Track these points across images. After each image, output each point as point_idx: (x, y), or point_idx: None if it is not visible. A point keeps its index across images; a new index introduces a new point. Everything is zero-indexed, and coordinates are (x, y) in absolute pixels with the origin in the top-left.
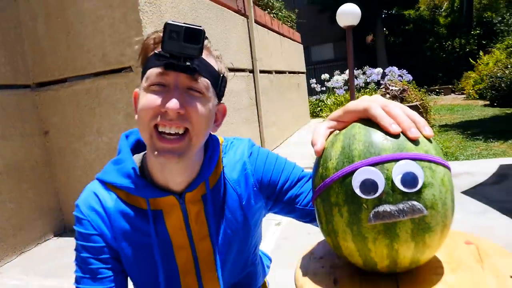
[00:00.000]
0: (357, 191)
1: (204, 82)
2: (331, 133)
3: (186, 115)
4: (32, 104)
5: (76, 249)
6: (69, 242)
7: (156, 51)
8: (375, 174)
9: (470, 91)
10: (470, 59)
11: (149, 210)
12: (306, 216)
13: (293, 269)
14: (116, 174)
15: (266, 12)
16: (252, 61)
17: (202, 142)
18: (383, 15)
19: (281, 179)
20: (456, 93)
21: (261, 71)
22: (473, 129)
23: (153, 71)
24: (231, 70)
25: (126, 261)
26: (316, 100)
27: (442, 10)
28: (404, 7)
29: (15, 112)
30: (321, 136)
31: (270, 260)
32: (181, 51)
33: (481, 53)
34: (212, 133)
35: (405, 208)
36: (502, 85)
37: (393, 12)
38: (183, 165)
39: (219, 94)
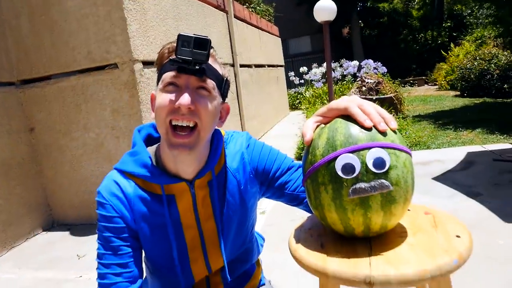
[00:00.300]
0: (339, 173)
1: (210, 83)
2: (317, 126)
3: (195, 111)
4: (17, 101)
5: (98, 230)
6: (58, 236)
7: (170, 58)
8: (353, 159)
9: (442, 82)
10: (441, 51)
11: (163, 194)
12: (293, 200)
13: (278, 252)
14: (134, 164)
15: (244, 6)
16: (233, 56)
17: (209, 136)
18: (358, 8)
19: (273, 168)
20: (429, 84)
21: (241, 65)
22: (444, 119)
23: (168, 75)
24: None
25: (144, 240)
26: (295, 93)
27: (415, 3)
28: (378, 0)
29: (0, 110)
30: (310, 129)
31: (263, 239)
32: (191, 56)
33: (452, 45)
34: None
35: (376, 185)
36: (471, 76)
37: (368, 5)
38: (194, 156)
39: (223, 95)
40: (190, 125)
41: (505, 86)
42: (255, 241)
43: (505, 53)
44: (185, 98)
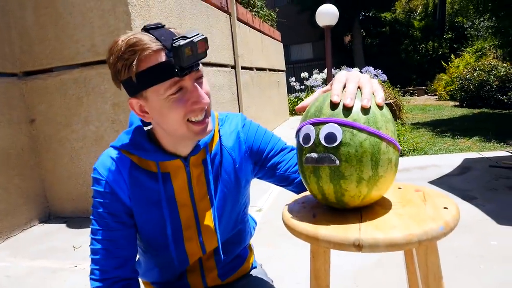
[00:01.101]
0: (300, 141)
1: (201, 68)
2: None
3: None
4: (19, 92)
5: (93, 206)
6: (55, 228)
7: (162, 64)
8: (311, 131)
9: (442, 92)
10: (442, 61)
11: (158, 172)
12: (283, 180)
13: (271, 248)
14: (130, 141)
15: (248, 10)
16: (234, 57)
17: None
18: (361, 17)
19: (267, 148)
20: (429, 94)
21: (243, 68)
22: (442, 127)
23: (169, 83)
24: (214, 65)
25: (139, 217)
26: (295, 98)
27: (417, 14)
28: (380, 9)
29: (2, 99)
30: (308, 99)
31: (256, 223)
32: (196, 60)
33: (452, 56)
34: None
35: (323, 157)
36: (471, 86)
37: (370, 14)
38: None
39: None
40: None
41: (504, 97)
42: (248, 223)
43: (505, 64)
44: (204, 98)
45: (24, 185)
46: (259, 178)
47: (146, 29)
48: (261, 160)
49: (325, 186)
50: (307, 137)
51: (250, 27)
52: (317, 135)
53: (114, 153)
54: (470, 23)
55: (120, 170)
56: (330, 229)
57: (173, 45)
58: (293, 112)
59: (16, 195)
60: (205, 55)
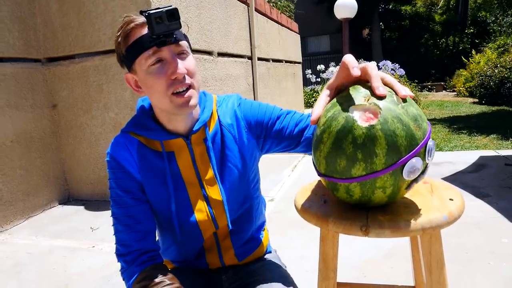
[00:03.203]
0: (406, 177)
1: (184, 44)
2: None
3: (188, 74)
4: (42, 78)
5: (110, 188)
6: (73, 210)
7: (143, 36)
8: (418, 162)
9: (461, 88)
10: (462, 57)
11: (163, 150)
12: (290, 144)
13: (284, 237)
14: (136, 124)
15: (266, 0)
16: (251, 48)
17: (199, 87)
18: (380, 9)
19: (265, 118)
20: (448, 90)
21: (259, 59)
22: (459, 124)
23: (147, 53)
24: (231, 55)
25: (149, 192)
26: (310, 90)
27: (438, 7)
28: (401, 2)
29: (26, 84)
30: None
31: (265, 203)
32: (168, 29)
33: (473, 52)
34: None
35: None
36: (491, 83)
37: (390, 7)
38: (191, 109)
39: (190, 48)
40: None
41: None
42: (259, 200)
43: None
44: (180, 68)
45: (45, 168)
46: (268, 152)
47: (141, 12)
48: (263, 132)
49: (356, 190)
50: (413, 170)
51: (268, 18)
52: (425, 166)
53: (123, 135)
54: (493, 18)
55: (129, 149)
56: (339, 215)
57: (144, 15)
58: (307, 105)
59: (37, 176)
60: (177, 26)
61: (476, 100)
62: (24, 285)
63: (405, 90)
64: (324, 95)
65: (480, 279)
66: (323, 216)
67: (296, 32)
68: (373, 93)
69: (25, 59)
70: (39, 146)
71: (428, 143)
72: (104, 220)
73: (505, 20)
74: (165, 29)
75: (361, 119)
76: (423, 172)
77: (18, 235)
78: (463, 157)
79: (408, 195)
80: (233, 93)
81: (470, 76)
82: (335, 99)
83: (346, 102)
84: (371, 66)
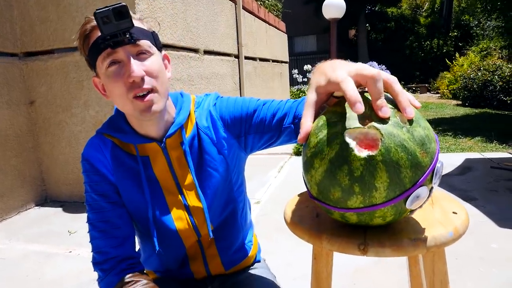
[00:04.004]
0: (409, 206)
1: (145, 43)
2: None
3: (148, 75)
4: (19, 73)
5: (85, 191)
6: (51, 212)
7: (96, 38)
8: (423, 191)
9: (445, 90)
10: (446, 59)
11: (137, 155)
12: (272, 137)
13: (270, 241)
14: (110, 126)
15: None
16: (238, 47)
17: (167, 89)
18: (366, 11)
19: (242, 114)
20: (432, 92)
21: (246, 57)
22: (444, 126)
23: (103, 56)
24: (218, 54)
25: (123, 195)
26: (297, 90)
27: (423, 10)
28: (387, 4)
29: (1, 80)
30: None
31: (249, 204)
32: (117, 29)
33: (457, 54)
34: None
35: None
36: (474, 86)
37: (376, 8)
38: (159, 115)
39: (159, 47)
40: (150, 87)
41: (507, 98)
42: (244, 204)
43: (510, 65)
44: (135, 71)
45: (21, 167)
46: (253, 149)
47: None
48: (242, 129)
49: (352, 217)
50: (418, 200)
51: (255, 17)
52: (430, 190)
53: (98, 137)
54: (477, 22)
55: (103, 150)
56: (334, 231)
57: (93, 15)
58: None
59: (12, 176)
60: (128, 24)
61: (460, 102)
62: None
63: (409, 108)
64: (310, 105)
65: (472, 286)
66: (316, 232)
67: (284, 32)
68: (371, 108)
69: (1, 53)
70: (15, 144)
71: (436, 165)
72: (82, 223)
73: (488, 24)
74: (114, 29)
75: (358, 147)
76: (428, 196)
77: None
78: (449, 160)
79: None
80: (219, 92)
81: (453, 78)
82: (325, 116)
83: (340, 122)
84: (394, 80)
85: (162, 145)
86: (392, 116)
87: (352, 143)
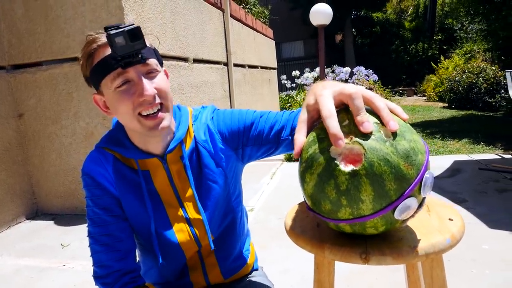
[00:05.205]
0: (398, 216)
1: (152, 62)
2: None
3: (157, 92)
4: (7, 86)
5: (86, 206)
6: (42, 225)
7: (106, 57)
8: (412, 202)
9: (431, 93)
10: (431, 63)
11: (139, 169)
12: (270, 148)
13: (265, 249)
14: (111, 140)
15: (241, 6)
16: (227, 54)
17: (172, 105)
18: (352, 16)
19: (239, 127)
20: (418, 94)
21: (235, 65)
22: (432, 129)
23: (112, 75)
24: (207, 62)
25: (126, 208)
26: (286, 96)
27: (408, 14)
28: (372, 9)
29: None
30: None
31: (246, 214)
32: (131, 50)
33: (442, 57)
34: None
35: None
36: (460, 88)
37: (362, 13)
38: (165, 131)
39: (161, 63)
40: (158, 107)
41: (492, 100)
42: (242, 213)
43: (493, 67)
44: (148, 89)
45: (11, 181)
46: (250, 159)
47: (105, 29)
48: (239, 142)
49: (346, 227)
50: (406, 210)
51: (243, 24)
52: (421, 201)
53: (98, 151)
54: (460, 25)
55: (104, 164)
56: (335, 240)
57: (106, 36)
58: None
59: (2, 191)
60: (142, 45)
61: (446, 104)
62: None
63: (393, 121)
64: (303, 121)
65: (465, 287)
66: (318, 242)
67: (271, 38)
68: (355, 125)
69: None
70: (4, 158)
71: (425, 176)
72: (75, 235)
73: (471, 27)
74: (129, 50)
75: (343, 162)
76: (420, 206)
77: None
78: (438, 162)
79: None
80: (209, 100)
81: (439, 81)
82: (315, 132)
83: (327, 138)
84: (374, 96)
85: (163, 160)
86: (376, 130)
87: (338, 158)
